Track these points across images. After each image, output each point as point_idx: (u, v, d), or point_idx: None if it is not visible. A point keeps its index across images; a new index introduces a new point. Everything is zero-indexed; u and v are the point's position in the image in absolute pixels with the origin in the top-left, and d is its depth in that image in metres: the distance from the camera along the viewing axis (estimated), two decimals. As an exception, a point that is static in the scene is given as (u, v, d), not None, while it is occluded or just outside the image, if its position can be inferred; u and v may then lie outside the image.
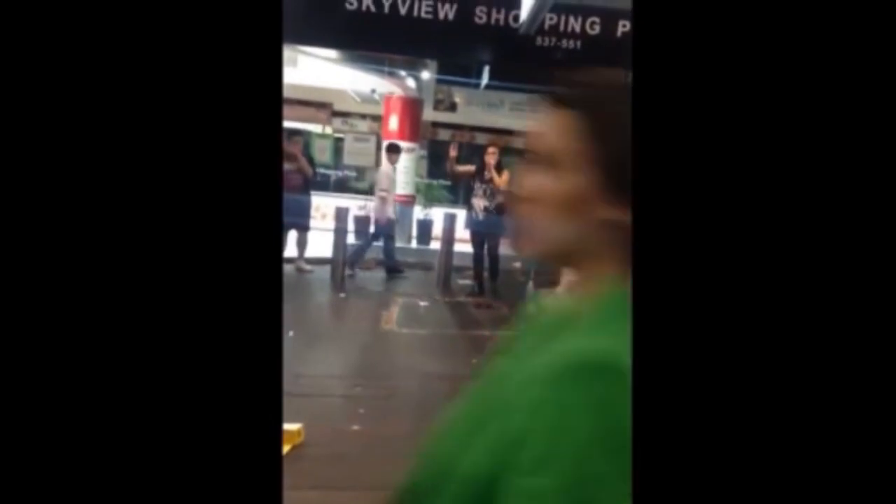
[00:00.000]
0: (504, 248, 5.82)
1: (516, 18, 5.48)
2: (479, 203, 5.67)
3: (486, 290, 5.74)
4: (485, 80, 10.62)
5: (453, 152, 5.86)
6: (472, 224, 5.88)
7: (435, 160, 11.85)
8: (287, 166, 5.53)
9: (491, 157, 5.53)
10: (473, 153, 6.17)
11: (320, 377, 3.35)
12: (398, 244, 6.99)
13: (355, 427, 2.82)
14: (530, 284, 5.51)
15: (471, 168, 5.81)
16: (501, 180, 5.48)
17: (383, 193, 6.13)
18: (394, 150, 6.53)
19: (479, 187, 5.61)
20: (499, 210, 5.53)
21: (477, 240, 5.86)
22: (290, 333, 3.70)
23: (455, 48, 6.39)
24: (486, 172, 5.57)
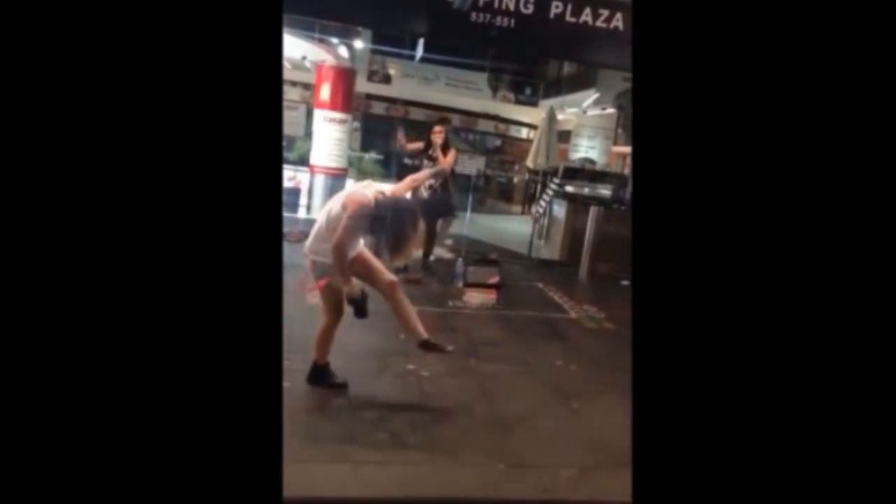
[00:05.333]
0: (439, 227, 5.84)
1: (452, -8, 5.44)
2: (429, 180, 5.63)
3: (417, 266, 5.75)
4: (419, 52, 10.48)
5: (401, 136, 5.75)
6: (414, 201, 5.82)
7: (368, 133, 11.60)
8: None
9: (437, 137, 5.51)
10: (410, 129, 6.10)
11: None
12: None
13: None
14: (459, 262, 5.58)
15: (419, 145, 5.75)
16: (446, 160, 5.46)
17: None
18: None
19: (425, 165, 5.56)
20: (443, 189, 5.51)
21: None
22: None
23: (388, 18, 6.25)
24: (431, 151, 5.53)
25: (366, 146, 11.28)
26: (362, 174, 8.92)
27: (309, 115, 9.04)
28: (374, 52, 10.84)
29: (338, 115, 8.20)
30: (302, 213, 7.87)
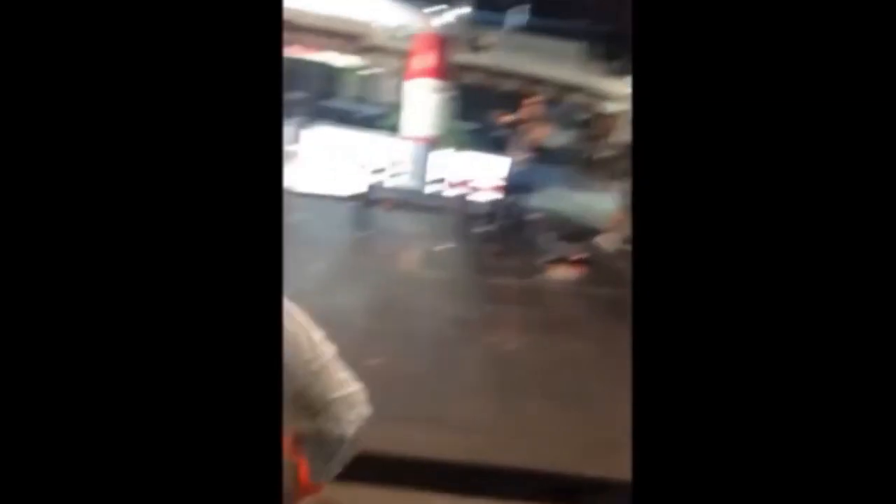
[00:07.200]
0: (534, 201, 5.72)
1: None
2: (520, 153, 5.57)
3: (506, 238, 5.76)
4: (522, 22, 10.20)
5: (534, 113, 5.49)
6: (512, 173, 5.79)
7: (463, 103, 11.54)
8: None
9: (536, 109, 5.39)
10: (505, 100, 5.98)
11: (341, 310, 3.47)
12: (415, 185, 6.90)
13: (373, 361, 2.95)
14: (545, 236, 5.53)
15: (515, 117, 5.66)
16: (542, 132, 5.35)
17: None
18: None
19: (522, 138, 5.47)
20: (540, 161, 5.42)
21: (509, 189, 5.81)
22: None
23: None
24: (527, 124, 5.42)
25: (457, 115, 11.26)
26: (456, 144, 8.94)
27: (401, 83, 9.14)
28: (469, 20, 10.70)
29: (431, 83, 8.25)
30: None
